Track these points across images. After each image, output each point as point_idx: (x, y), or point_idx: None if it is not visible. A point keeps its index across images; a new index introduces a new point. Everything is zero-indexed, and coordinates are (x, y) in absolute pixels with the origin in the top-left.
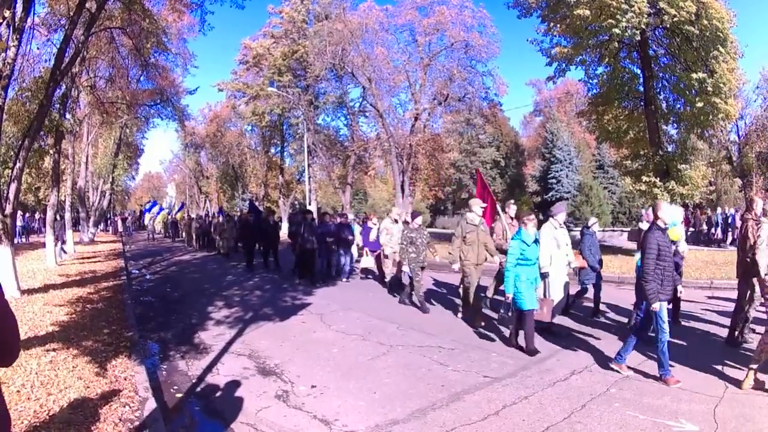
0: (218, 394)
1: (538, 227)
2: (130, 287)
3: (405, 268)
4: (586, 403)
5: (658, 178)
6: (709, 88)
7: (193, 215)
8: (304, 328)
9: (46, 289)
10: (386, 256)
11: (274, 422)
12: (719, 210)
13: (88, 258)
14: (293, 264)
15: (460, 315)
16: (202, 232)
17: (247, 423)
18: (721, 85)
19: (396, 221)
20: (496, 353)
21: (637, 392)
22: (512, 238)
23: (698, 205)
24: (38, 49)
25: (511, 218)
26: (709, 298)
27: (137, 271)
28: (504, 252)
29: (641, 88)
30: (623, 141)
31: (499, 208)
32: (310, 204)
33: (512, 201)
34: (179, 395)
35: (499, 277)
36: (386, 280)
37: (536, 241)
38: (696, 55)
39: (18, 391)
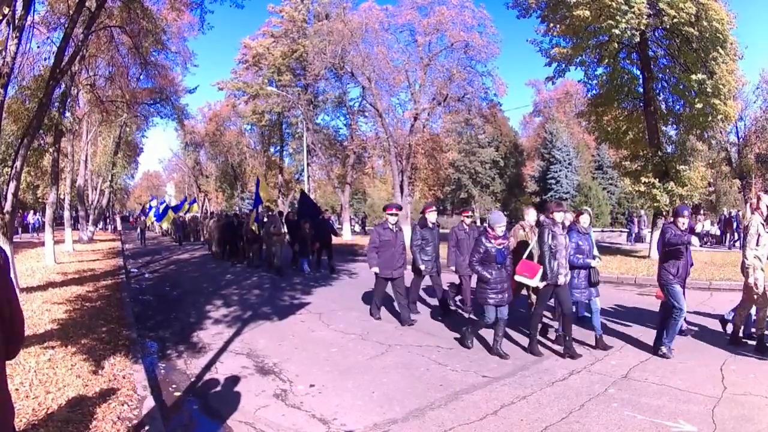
0: (216, 392)
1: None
2: (128, 286)
3: None
4: (585, 403)
5: (658, 179)
6: (709, 90)
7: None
8: (302, 328)
9: (45, 287)
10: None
11: (272, 421)
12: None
13: (87, 256)
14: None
15: None
16: (229, 236)
17: (246, 422)
18: (721, 86)
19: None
20: None
21: (636, 392)
22: None
23: (696, 206)
24: (38, 47)
25: None
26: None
27: (136, 270)
28: None
29: (641, 89)
30: (622, 142)
31: None
32: None
33: None
34: (177, 394)
35: None
36: None
37: None
38: (695, 56)
39: (16, 389)
